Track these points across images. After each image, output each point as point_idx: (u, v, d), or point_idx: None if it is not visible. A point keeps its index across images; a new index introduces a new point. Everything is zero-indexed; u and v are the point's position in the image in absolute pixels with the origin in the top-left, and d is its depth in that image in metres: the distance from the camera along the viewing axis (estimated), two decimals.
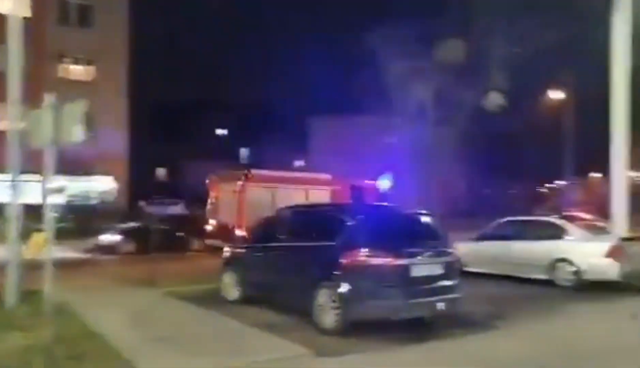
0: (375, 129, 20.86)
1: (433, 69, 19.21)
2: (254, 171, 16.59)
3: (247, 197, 15.70)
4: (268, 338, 7.19)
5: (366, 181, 19.77)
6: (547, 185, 56.45)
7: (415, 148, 19.64)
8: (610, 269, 10.81)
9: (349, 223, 7.56)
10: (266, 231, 9.18)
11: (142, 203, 27.86)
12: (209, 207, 17.35)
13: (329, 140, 46.09)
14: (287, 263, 8.26)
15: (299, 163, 48.56)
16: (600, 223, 13.73)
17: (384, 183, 21.27)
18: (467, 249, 13.07)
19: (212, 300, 9.36)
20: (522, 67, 18.91)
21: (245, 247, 9.54)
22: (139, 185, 30.26)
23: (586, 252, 11.16)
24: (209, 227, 17.07)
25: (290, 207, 9.38)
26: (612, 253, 10.82)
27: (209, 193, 17.54)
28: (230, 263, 9.68)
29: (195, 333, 7.50)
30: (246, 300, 9.16)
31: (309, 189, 17.41)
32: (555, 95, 27.36)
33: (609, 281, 10.90)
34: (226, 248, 10.03)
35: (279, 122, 41.81)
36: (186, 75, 46.98)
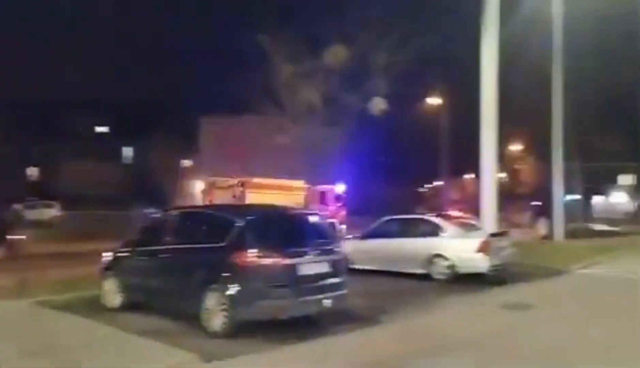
0: (265, 128, 20.91)
1: (321, 71, 19.73)
2: (252, 179, 19.87)
3: (245, 201, 18.61)
4: (151, 345, 6.91)
5: (328, 186, 23.62)
6: (426, 185, 60.04)
7: (304, 148, 20.05)
8: (480, 263, 11.78)
9: (237, 224, 7.49)
10: (151, 234, 8.82)
11: (17, 206, 25.65)
12: None
13: (219, 139, 45.43)
14: (174, 267, 8.00)
15: (187, 163, 47.28)
16: (472, 221, 14.89)
17: (340, 187, 24.85)
18: (353, 247, 13.54)
19: (91, 308, 8.79)
20: (404, 74, 20.01)
21: (128, 251, 9.07)
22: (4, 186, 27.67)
23: (459, 247, 12.04)
24: None
25: (177, 208, 9.12)
26: (482, 249, 11.79)
27: (203, 197, 20.33)
28: (112, 268, 9.17)
29: (71, 345, 7.01)
30: (129, 307, 8.74)
31: (289, 194, 20.92)
32: (433, 101, 29.31)
33: (478, 274, 11.85)
34: (106, 253, 9.48)
35: (165, 121, 40.41)
36: (58, 72, 43.69)
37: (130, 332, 7.44)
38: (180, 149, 42.97)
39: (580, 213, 39.01)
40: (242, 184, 19.04)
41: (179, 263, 7.94)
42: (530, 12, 23.93)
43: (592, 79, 31.80)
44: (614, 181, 37.75)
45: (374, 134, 21.11)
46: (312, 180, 21.35)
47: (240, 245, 7.25)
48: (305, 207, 21.41)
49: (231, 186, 19.36)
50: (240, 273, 7.16)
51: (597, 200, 50.42)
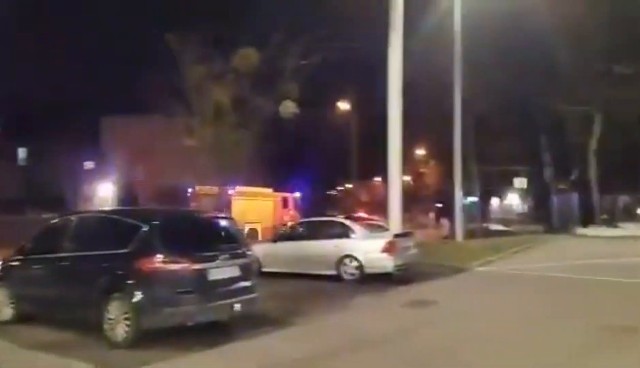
0: (173, 130, 20.34)
1: (231, 73, 19.51)
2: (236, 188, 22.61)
3: (233, 207, 21.56)
4: (46, 359, 6.50)
5: (288, 193, 28.24)
6: (338, 188, 61.15)
7: (213, 150, 19.74)
8: (386, 263, 12.20)
9: (142, 229, 7.21)
10: (47, 240, 8.25)
11: None
12: None
13: (124, 141, 43.55)
14: (74, 275, 7.53)
15: (88, 165, 44.82)
16: (379, 222, 15.40)
17: (297, 194, 29.54)
18: (265, 250, 13.53)
19: None
20: (315, 78, 20.26)
21: (21, 259, 8.42)
22: None
23: (367, 248, 12.41)
24: None
25: (77, 213, 8.58)
26: (387, 249, 12.21)
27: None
28: (2, 278, 8.49)
29: None
30: (22, 319, 8.14)
31: (263, 201, 25.29)
32: (343, 105, 29.98)
33: (386, 273, 12.25)
34: None
35: (66, 121, 38.00)
36: None
37: (23, 346, 6.96)
38: (81, 151, 40.60)
39: (479, 214, 41.52)
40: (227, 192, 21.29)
41: (79, 271, 7.49)
42: (436, 23, 25.24)
43: (492, 88, 33.99)
44: (511, 184, 40.57)
45: (285, 137, 21.20)
46: (220, 184, 21.20)
47: (145, 251, 6.98)
48: (275, 211, 26.46)
49: (217, 194, 21.03)
50: (146, 280, 6.89)
51: (494, 202, 53.97)
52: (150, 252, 6.95)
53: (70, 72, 49.76)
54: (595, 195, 34.02)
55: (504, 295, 11.24)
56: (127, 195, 37.90)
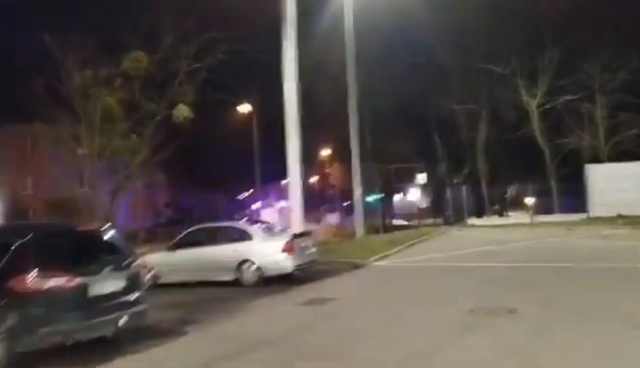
0: (60, 139, 19.13)
1: (120, 77, 18.76)
2: None
3: None
4: None
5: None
6: (246, 192, 60.75)
7: (104, 159, 18.88)
8: (285, 264, 12.29)
9: (14, 244, 6.75)
10: None
11: None
12: None
13: (8, 152, 40.29)
14: None
15: None
16: (277, 224, 15.50)
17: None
18: (160, 260, 13.12)
19: None
20: (210, 82, 19.98)
21: None
22: None
23: (265, 251, 12.42)
24: None
25: None
26: (286, 249, 12.32)
27: None
28: None
29: None
30: None
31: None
32: (243, 108, 29.82)
33: (286, 275, 12.35)
34: None
35: None
36: None
37: None
38: None
39: (381, 211, 43.00)
40: None
41: None
42: (330, 24, 25.83)
43: (385, 88, 35.33)
44: (412, 180, 42.46)
45: (180, 142, 20.67)
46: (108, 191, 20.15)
47: (18, 268, 6.53)
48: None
49: None
50: (18, 300, 6.46)
51: (397, 198, 56.10)
52: (22, 269, 6.52)
53: None
54: (485, 188, 36.43)
55: (394, 287, 11.77)
56: (16, 210, 35.23)
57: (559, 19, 30.47)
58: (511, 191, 42.88)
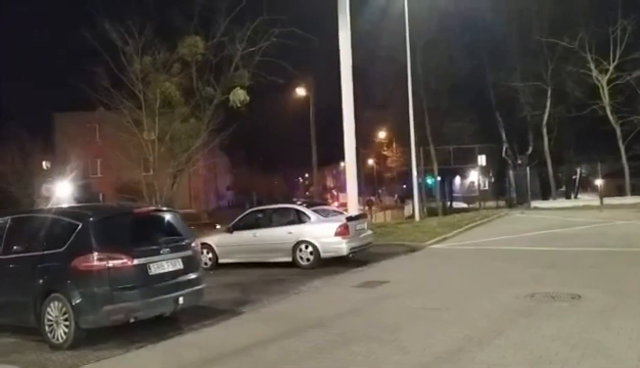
0: (123, 124, 19.88)
1: (178, 63, 19.19)
2: None
3: None
4: None
5: None
6: (306, 174, 61.27)
7: (165, 143, 19.45)
8: (341, 245, 12.29)
9: (78, 227, 7.08)
10: None
11: None
12: None
13: (77, 137, 42.47)
14: (9, 278, 7.38)
15: (46, 164, 43.59)
16: (333, 206, 15.49)
17: None
18: (221, 241, 13.48)
19: None
20: (266, 65, 20.06)
21: None
22: None
23: (321, 233, 12.47)
24: None
25: (12, 214, 8.30)
26: (340, 232, 12.31)
27: None
28: None
29: None
30: None
31: None
32: (300, 91, 29.88)
33: (341, 257, 12.36)
34: None
35: (15, 120, 36.80)
36: None
37: None
38: (36, 150, 39.36)
39: (440, 193, 42.20)
40: None
41: (15, 274, 7.33)
42: (386, 3, 25.34)
43: (444, 66, 34.40)
44: (472, 162, 41.33)
45: (239, 126, 20.99)
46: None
47: (82, 249, 6.86)
48: None
49: None
50: (84, 279, 6.79)
51: (456, 180, 54.93)
52: (85, 250, 6.84)
53: (13, 70, 48.44)
54: (550, 168, 34.92)
55: (451, 271, 11.50)
56: (86, 194, 37.10)
57: None
58: (580, 172, 40.98)
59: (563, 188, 40.27)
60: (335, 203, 37.11)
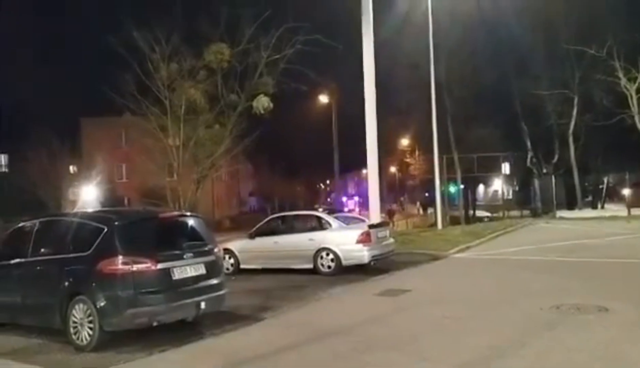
0: (148, 129, 20.21)
1: (203, 70, 19.45)
2: None
3: None
4: (7, 364, 6.48)
5: None
6: (327, 181, 61.29)
7: (190, 149, 19.69)
8: (362, 253, 12.24)
9: (103, 231, 7.20)
10: (10, 247, 8.20)
11: None
12: None
13: (101, 141, 43.30)
14: (36, 280, 7.53)
15: (73, 168, 44.45)
16: (355, 213, 15.45)
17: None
18: (241, 247, 13.54)
19: None
20: (290, 72, 20.21)
21: None
22: None
23: (342, 240, 12.42)
24: None
25: (39, 217, 8.50)
26: (362, 240, 12.26)
27: None
28: None
29: None
30: None
31: None
32: (323, 98, 29.96)
33: (362, 264, 12.30)
34: None
35: (43, 124, 37.55)
36: None
37: None
38: (63, 154, 40.19)
39: (464, 202, 41.79)
40: None
41: (42, 276, 7.49)
42: (407, 11, 25.28)
43: (468, 74, 34.14)
44: (496, 170, 40.85)
45: (262, 132, 21.20)
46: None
47: (107, 253, 6.97)
48: None
49: None
50: (108, 282, 6.89)
51: (480, 188, 54.35)
52: (111, 253, 6.94)
53: (42, 75, 49.77)
54: (577, 178, 34.32)
55: (474, 280, 11.34)
56: (112, 198, 37.70)
57: None
58: (607, 181, 40.17)
59: (589, 198, 39.53)
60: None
